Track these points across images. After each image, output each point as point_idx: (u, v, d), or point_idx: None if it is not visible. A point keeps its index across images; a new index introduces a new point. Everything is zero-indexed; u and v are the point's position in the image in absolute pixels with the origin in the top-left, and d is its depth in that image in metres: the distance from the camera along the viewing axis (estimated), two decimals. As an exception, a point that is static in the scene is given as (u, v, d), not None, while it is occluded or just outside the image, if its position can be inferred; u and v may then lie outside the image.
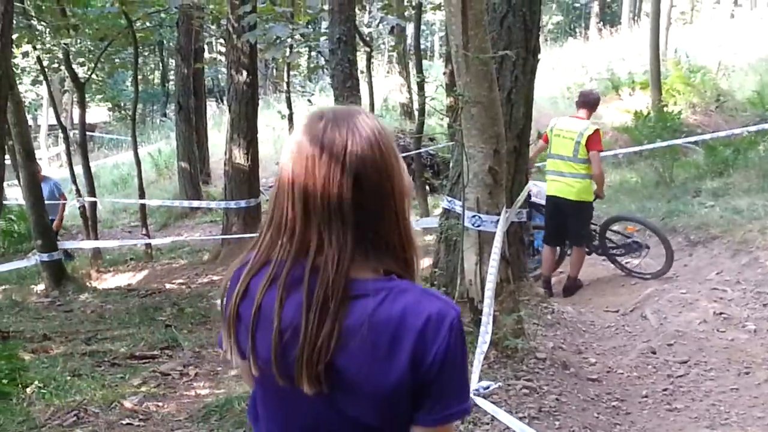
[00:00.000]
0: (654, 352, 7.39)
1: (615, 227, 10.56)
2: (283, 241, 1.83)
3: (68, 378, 7.25)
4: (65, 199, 14.88)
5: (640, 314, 8.66)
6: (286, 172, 1.85)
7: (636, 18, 41.38)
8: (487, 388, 4.88)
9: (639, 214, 11.79)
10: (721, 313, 8.14)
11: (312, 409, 1.84)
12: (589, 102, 10.02)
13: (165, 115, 38.79)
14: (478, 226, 6.17)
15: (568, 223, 10.04)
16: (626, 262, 10.58)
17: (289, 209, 1.82)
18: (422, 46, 17.47)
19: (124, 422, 6.14)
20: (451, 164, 8.47)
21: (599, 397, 6.33)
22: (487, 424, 5.32)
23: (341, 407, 1.81)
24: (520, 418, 5.28)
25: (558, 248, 10.44)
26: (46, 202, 12.66)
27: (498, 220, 6.15)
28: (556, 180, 9.88)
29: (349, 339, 1.75)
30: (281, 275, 1.80)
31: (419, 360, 1.74)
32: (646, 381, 6.86)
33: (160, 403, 6.63)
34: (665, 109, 17.36)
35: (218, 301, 1.97)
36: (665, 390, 6.63)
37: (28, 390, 6.68)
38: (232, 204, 13.98)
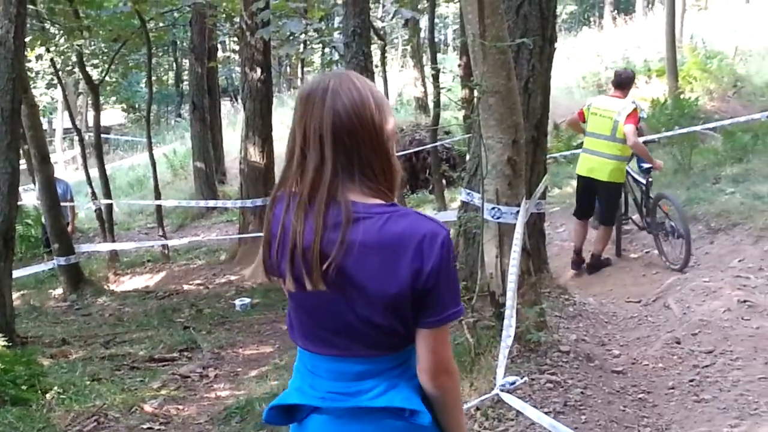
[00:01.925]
0: (679, 342, 7.27)
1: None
2: (293, 173, 2.28)
3: (88, 383, 7.23)
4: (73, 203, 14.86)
5: (663, 304, 8.55)
6: (295, 116, 2.31)
7: (650, 5, 41.18)
8: (513, 383, 4.78)
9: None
10: (745, 301, 8.00)
11: (330, 311, 2.27)
12: (623, 81, 10.04)
13: (180, 115, 38.93)
14: (498, 218, 6.07)
15: (597, 201, 10.13)
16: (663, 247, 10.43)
17: (296, 147, 2.29)
18: (436, 39, 17.39)
19: (144, 426, 6.10)
20: (468, 156, 8.39)
21: (625, 390, 6.23)
22: (512, 420, 5.24)
23: (355, 309, 2.23)
24: (546, 413, 5.19)
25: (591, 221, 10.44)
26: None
27: (518, 212, 6.06)
28: (590, 158, 9.91)
29: (357, 251, 2.18)
30: (295, 201, 2.25)
31: (417, 270, 2.16)
32: (672, 372, 6.74)
33: (181, 406, 6.59)
34: (682, 96, 17.21)
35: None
36: (692, 381, 6.51)
37: (48, 396, 6.65)
38: (248, 203, 13.94)
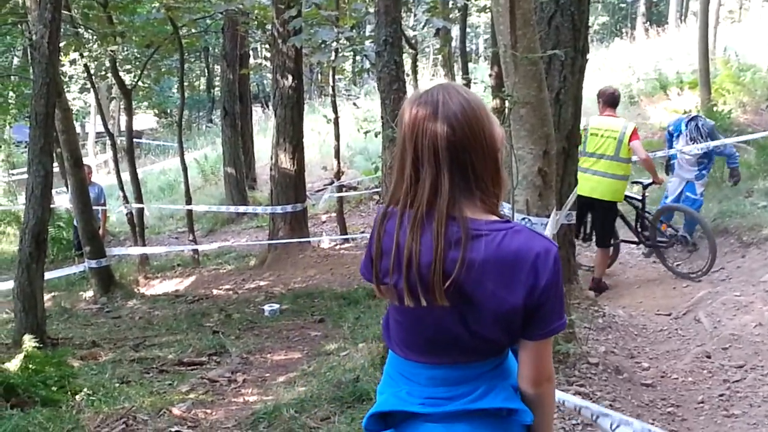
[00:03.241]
0: (709, 357, 7.23)
1: (664, 219, 10.58)
2: (404, 189, 2.29)
3: (117, 385, 7.27)
4: (105, 207, 14.99)
5: (693, 317, 8.50)
6: (401, 132, 2.32)
7: (683, 17, 40.95)
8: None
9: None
10: (776, 316, 7.96)
11: (440, 324, 2.32)
12: (617, 99, 10.17)
13: (211, 120, 39.11)
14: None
15: (594, 222, 10.22)
16: (669, 258, 10.55)
17: (407, 162, 2.28)
18: (467, 49, 17.36)
19: (172, 429, 6.11)
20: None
21: (654, 403, 6.20)
22: None
23: (466, 322, 2.28)
24: (574, 426, 5.18)
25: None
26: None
27: (548, 223, 6.05)
28: (591, 178, 9.86)
29: (476, 269, 2.21)
30: (409, 218, 2.27)
31: (532, 287, 2.21)
32: (702, 386, 6.71)
33: (209, 410, 6.60)
34: (715, 108, 17.09)
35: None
36: (722, 395, 6.47)
37: (78, 397, 6.68)
38: (279, 209, 13.99)
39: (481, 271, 2.21)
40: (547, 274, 2.22)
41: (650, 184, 10.57)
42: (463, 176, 2.24)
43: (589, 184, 9.79)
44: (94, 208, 13.40)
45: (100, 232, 13.97)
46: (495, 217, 2.29)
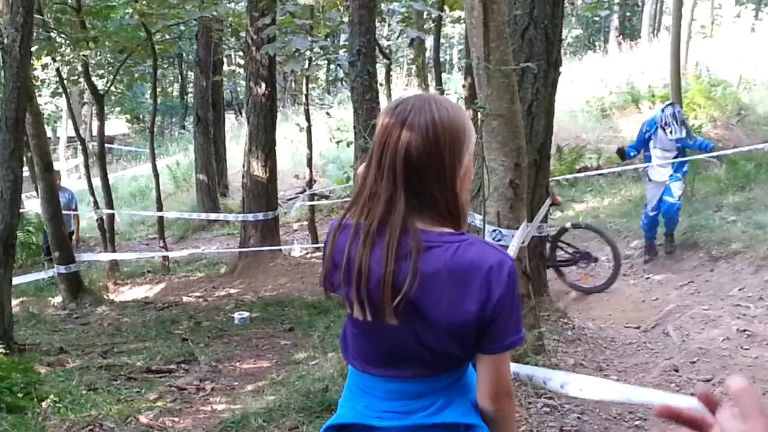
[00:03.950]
0: (677, 370, 7.26)
1: (566, 237, 10.66)
2: (363, 199, 2.27)
3: (84, 392, 7.22)
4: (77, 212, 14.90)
5: (662, 330, 8.55)
6: (375, 137, 2.30)
7: (655, 32, 41.21)
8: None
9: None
10: (744, 330, 8.01)
11: (393, 338, 2.29)
12: None
13: (183, 127, 38.95)
14: (499, 240, 6.08)
15: None
16: (570, 275, 10.67)
17: (370, 173, 2.27)
18: (441, 59, 17.41)
19: (139, 437, 6.08)
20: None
21: (621, 416, 6.22)
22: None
23: (418, 336, 2.26)
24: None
25: None
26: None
27: (515, 234, 6.07)
28: None
29: (427, 281, 2.19)
30: (362, 230, 2.24)
31: (485, 300, 2.18)
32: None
33: (176, 419, 6.57)
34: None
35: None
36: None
37: (44, 404, 6.63)
38: (250, 216, 13.97)
39: (433, 283, 2.19)
40: (501, 287, 2.19)
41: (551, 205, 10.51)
42: (419, 198, 2.23)
43: None
44: (66, 213, 13.32)
45: (74, 237, 13.90)
46: (449, 230, 2.27)
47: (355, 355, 2.47)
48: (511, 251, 6.01)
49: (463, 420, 2.33)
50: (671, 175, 11.03)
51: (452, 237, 2.24)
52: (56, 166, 13.85)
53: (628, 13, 50.84)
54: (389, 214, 2.21)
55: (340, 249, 2.31)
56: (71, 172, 34.22)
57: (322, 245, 2.60)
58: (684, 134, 10.79)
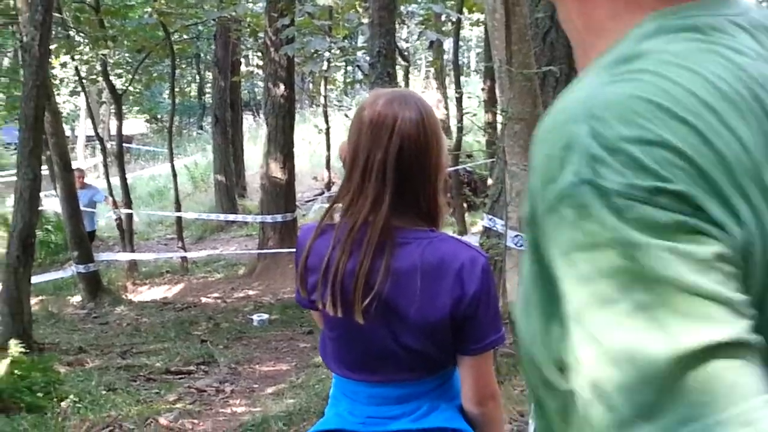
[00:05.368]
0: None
1: None
2: (348, 197, 2.23)
3: (103, 392, 7.23)
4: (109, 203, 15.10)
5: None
6: (351, 140, 2.25)
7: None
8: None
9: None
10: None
11: (370, 338, 2.24)
12: None
13: (201, 127, 38.97)
14: (521, 246, 6.05)
15: None
16: None
17: (355, 171, 2.21)
18: (459, 62, 17.35)
19: (159, 439, 6.09)
20: (490, 181, 8.36)
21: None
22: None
23: (396, 336, 2.21)
24: None
25: None
26: (82, 209, 12.73)
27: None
28: None
29: (399, 279, 2.16)
30: (343, 231, 2.21)
31: (458, 297, 2.14)
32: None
33: (196, 421, 6.57)
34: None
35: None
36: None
37: (63, 404, 6.66)
38: (269, 218, 13.97)
39: (406, 280, 2.16)
40: (475, 283, 2.14)
41: None
42: (403, 197, 2.19)
43: None
44: (91, 210, 13.44)
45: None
46: (422, 228, 2.24)
47: (333, 359, 2.43)
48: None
49: (449, 425, 2.29)
50: None
51: (424, 234, 2.22)
52: (74, 165, 13.90)
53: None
54: (373, 215, 2.17)
55: (317, 252, 2.27)
56: (90, 172, 34.33)
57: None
58: None
